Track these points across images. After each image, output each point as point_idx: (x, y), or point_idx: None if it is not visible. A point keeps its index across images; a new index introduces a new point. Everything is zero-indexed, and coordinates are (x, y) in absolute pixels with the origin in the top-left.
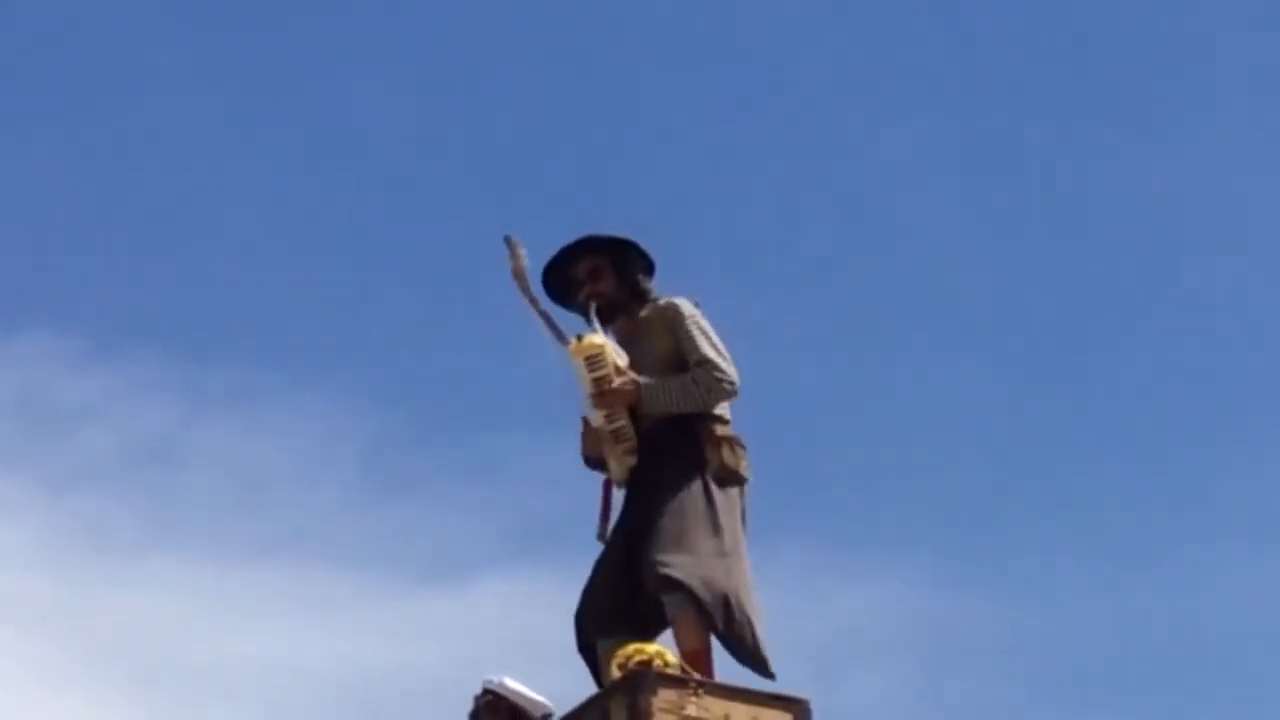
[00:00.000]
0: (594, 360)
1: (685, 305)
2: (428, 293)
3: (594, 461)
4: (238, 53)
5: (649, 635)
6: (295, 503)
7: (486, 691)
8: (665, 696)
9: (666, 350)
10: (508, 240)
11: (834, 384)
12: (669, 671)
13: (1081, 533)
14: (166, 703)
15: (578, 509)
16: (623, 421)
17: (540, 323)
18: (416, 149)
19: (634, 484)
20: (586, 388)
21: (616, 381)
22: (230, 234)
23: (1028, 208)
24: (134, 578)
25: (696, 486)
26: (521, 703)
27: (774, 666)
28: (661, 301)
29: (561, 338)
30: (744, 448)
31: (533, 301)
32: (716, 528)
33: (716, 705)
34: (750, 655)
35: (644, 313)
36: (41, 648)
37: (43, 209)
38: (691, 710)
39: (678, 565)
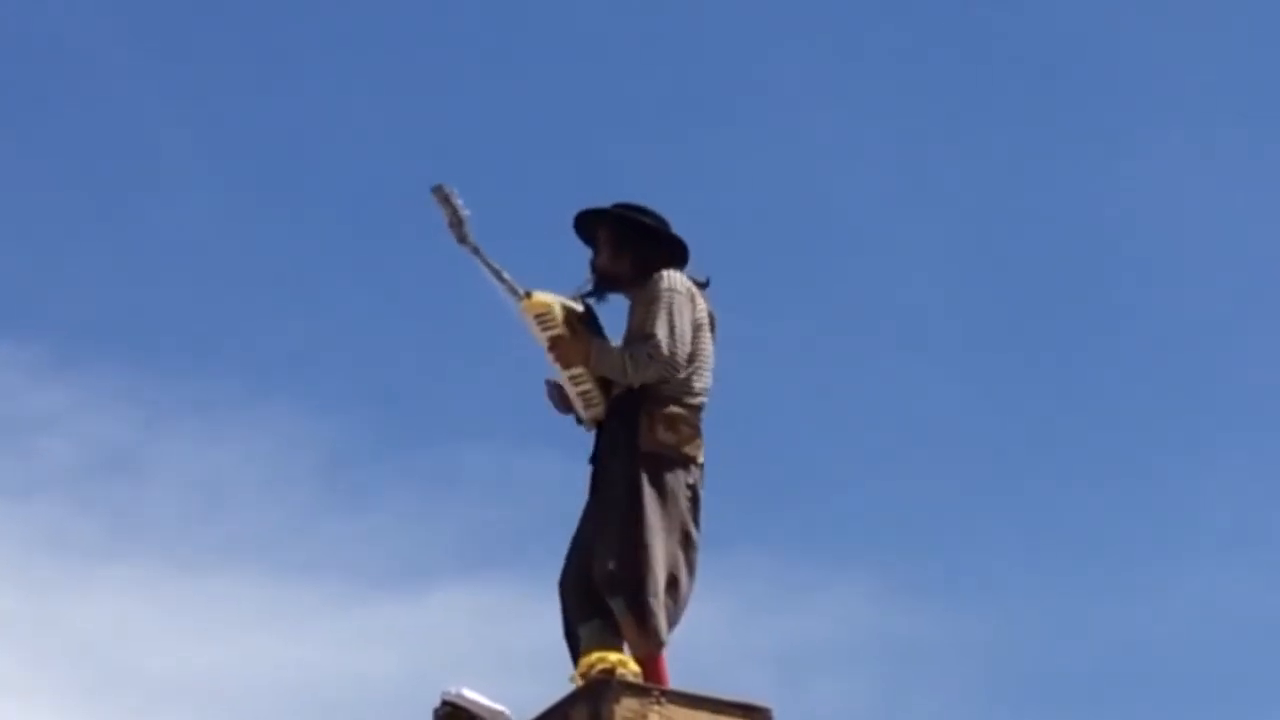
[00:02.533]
0: (543, 319)
1: (668, 279)
2: (388, 303)
3: (582, 420)
4: (195, 61)
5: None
6: (255, 512)
7: (445, 703)
8: (628, 705)
9: (640, 320)
10: (438, 190)
11: (796, 394)
12: (631, 680)
13: (1042, 544)
14: (125, 712)
15: (538, 520)
16: (588, 385)
17: (488, 275)
18: (375, 155)
19: (593, 460)
20: (543, 344)
21: (570, 336)
22: (190, 245)
23: (987, 216)
24: (94, 587)
25: (631, 470)
26: (480, 712)
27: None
28: (654, 276)
29: (514, 292)
30: (694, 428)
31: (475, 252)
32: (638, 517)
33: (679, 714)
34: (650, 639)
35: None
36: (0, 656)
37: (2, 219)
38: (654, 719)
39: (612, 563)
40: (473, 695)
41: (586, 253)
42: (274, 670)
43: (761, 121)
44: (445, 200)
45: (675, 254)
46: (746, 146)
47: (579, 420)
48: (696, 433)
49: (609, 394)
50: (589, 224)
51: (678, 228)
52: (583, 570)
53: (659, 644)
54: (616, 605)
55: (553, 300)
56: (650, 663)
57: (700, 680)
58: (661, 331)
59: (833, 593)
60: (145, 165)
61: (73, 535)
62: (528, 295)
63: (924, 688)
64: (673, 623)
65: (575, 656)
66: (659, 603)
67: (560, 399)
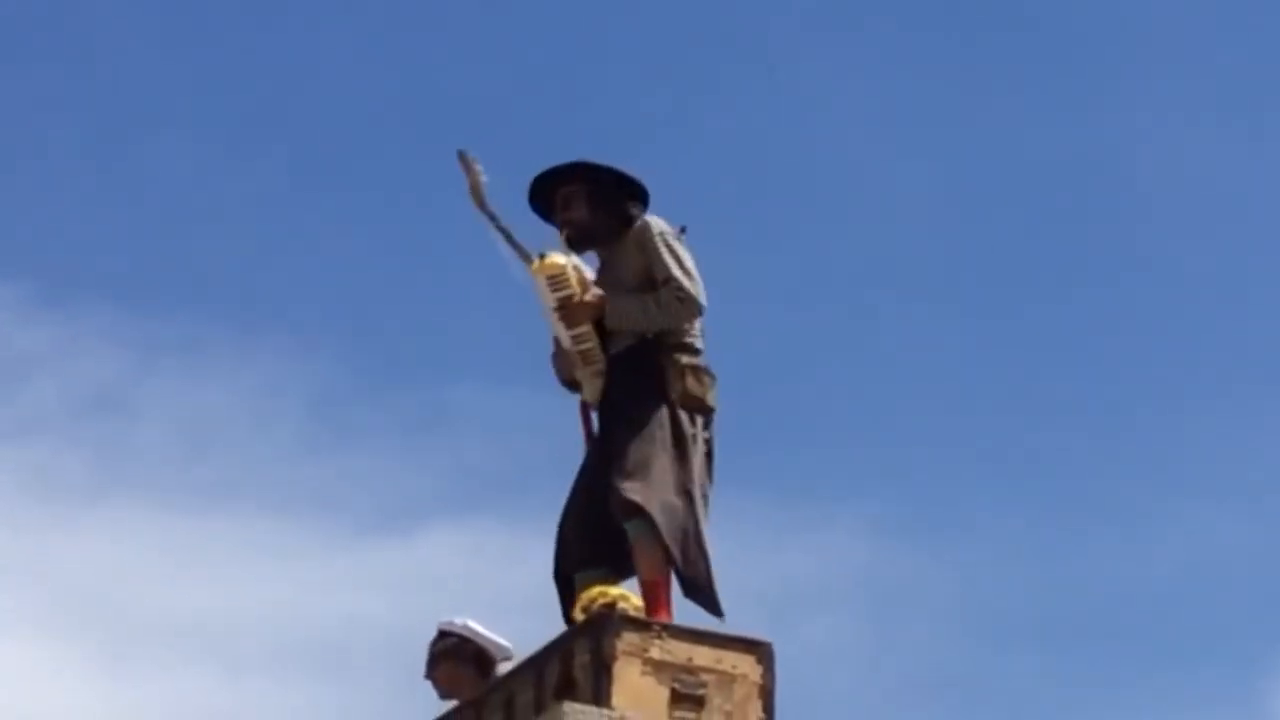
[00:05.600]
0: (556, 280)
1: (655, 223)
2: (376, 242)
3: (570, 384)
4: (183, 3)
5: (623, 568)
6: (244, 452)
7: (445, 634)
8: (629, 639)
9: (639, 269)
10: (462, 156)
11: (788, 336)
12: (633, 615)
13: (1032, 486)
14: (116, 652)
15: (526, 460)
16: (590, 344)
17: (501, 241)
18: (361, 97)
19: (602, 410)
20: (550, 305)
21: (582, 296)
22: (179, 184)
23: (986, 160)
24: (83, 527)
25: (662, 414)
26: (484, 643)
27: (724, 606)
28: (639, 224)
29: (525, 256)
30: (713, 377)
31: (491, 219)
32: (681, 459)
33: (680, 648)
34: (702, 592)
35: (625, 237)
36: None
37: None
38: (655, 653)
39: (640, 492)
40: (477, 626)
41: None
42: (263, 610)
43: (751, 63)
44: (468, 167)
45: (643, 203)
46: (735, 88)
47: (574, 386)
48: (714, 381)
49: (606, 349)
50: (548, 185)
51: (668, 170)
52: (588, 514)
53: (719, 610)
54: (633, 528)
55: (565, 261)
56: (656, 588)
57: (693, 620)
58: (676, 271)
59: (822, 533)
60: (135, 105)
61: (61, 475)
62: (541, 258)
63: (913, 627)
64: (696, 564)
65: (564, 599)
66: (692, 541)
67: (562, 367)
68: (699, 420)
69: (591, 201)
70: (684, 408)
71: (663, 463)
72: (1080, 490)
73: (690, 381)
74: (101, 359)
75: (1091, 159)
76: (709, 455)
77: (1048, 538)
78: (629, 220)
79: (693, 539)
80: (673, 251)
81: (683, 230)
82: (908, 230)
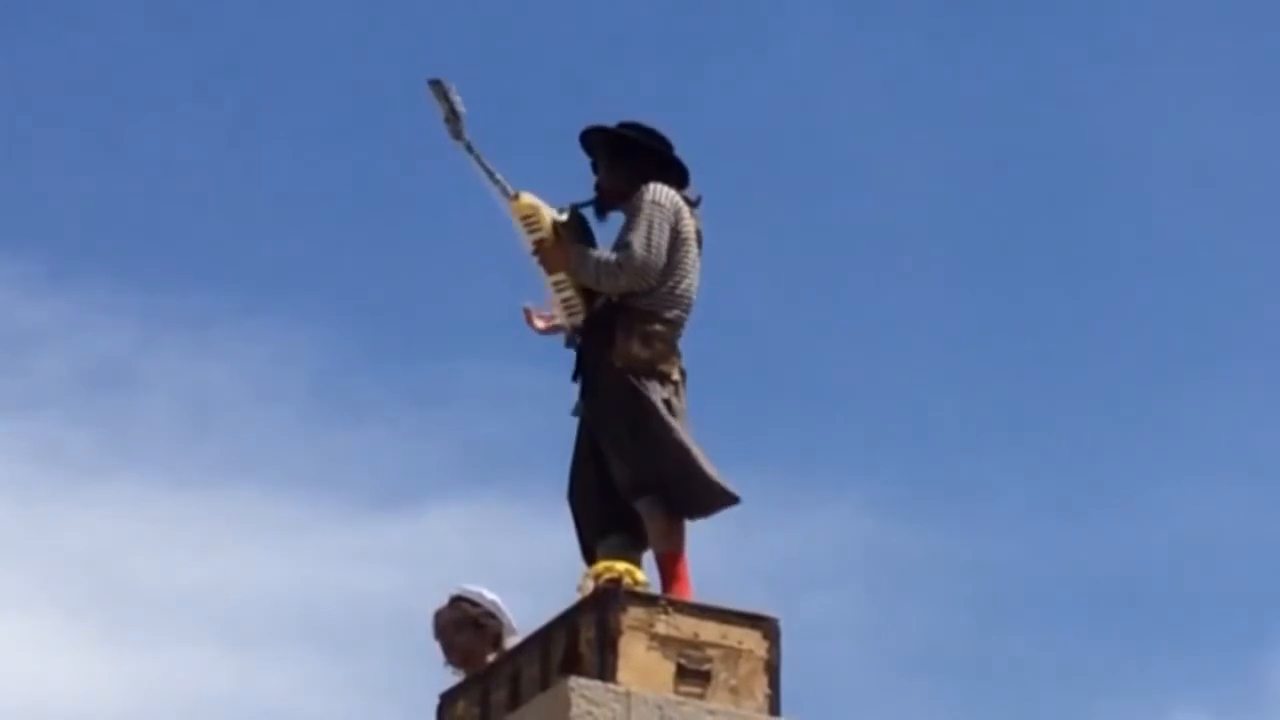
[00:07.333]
0: (529, 221)
1: (652, 191)
2: (381, 217)
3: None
4: None
5: (640, 536)
6: (249, 427)
7: (472, 602)
8: (634, 614)
9: (621, 231)
10: (435, 84)
11: (790, 311)
12: (638, 589)
13: (1035, 463)
14: (121, 627)
15: (533, 435)
16: (570, 292)
17: (481, 174)
18: (367, 69)
19: (582, 373)
20: (527, 246)
21: (554, 241)
22: (183, 159)
23: (980, 132)
24: (88, 502)
25: (619, 380)
26: (495, 611)
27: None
28: (641, 188)
29: (505, 192)
30: (668, 344)
31: (469, 150)
32: (649, 410)
33: (685, 623)
34: (718, 500)
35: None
36: None
37: None
38: (660, 628)
39: (630, 469)
40: (501, 603)
41: (584, 164)
42: (268, 585)
43: (754, 39)
44: (443, 95)
45: (672, 173)
46: (739, 63)
47: (564, 335)
48: (671, 349)
49: (591, 304)
50: (593, 141)
51: (671, 143)
52: (593, 483)
53: (730, 497)
54: (644, 505)
55: (539, 204)
56: (669, 561)
57: (713, 584)
58: (637, 241)
59: (826, 510)
60: (139, 80)
61: (66, 450)
62: (516, 197)
63: (915, 603)
64: (701, 499)
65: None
66: (708, 463)
67: (532, 320)
68: (651, 381)
69: (612, 164)
70: (631, 371)
71: (630, 428)
72: (1081, 467)
73: (636, 345)
74: (107, 334)
75: (1105, 129)
76: (671, 414)
77: (1049, 514)
78: (645, 184)
79: (693, 481)
80: (649, 222)
81: (695, 203)
82: (911, 209)
